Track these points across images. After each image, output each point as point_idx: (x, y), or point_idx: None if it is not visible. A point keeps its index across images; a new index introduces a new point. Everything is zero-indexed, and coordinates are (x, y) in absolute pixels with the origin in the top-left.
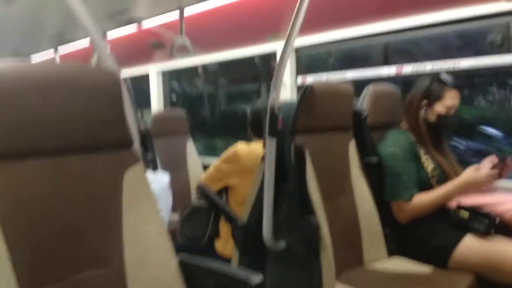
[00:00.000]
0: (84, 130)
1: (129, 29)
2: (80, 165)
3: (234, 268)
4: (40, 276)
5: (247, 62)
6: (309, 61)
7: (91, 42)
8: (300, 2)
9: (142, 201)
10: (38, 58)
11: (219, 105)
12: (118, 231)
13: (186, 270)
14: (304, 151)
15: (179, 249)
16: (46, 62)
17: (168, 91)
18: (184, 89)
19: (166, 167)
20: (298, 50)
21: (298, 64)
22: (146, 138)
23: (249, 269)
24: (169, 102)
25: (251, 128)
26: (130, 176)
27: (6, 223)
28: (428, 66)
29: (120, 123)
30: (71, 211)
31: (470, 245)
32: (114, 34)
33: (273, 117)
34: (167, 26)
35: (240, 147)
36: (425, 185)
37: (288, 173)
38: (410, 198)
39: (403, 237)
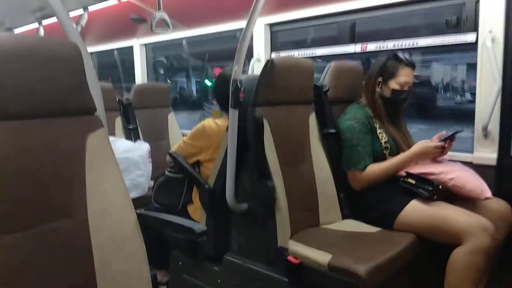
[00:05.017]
0: (46, 95)
1: (110, 2)
2: (45, 128)
3: (183, 219)
4: (8, 225)
5: (231, 37)
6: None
7: (56, 17)
8: None
9: (104, 162)
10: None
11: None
12: (82, 187)
13: (144, 222)
14: (263, 121)
15: (153, 210)
16: (10, 34)
17: (151, 63)
18: (172, 63)
19: (147, 137)
20: (273, 28)
21: (274, 41)
22: (128, 109)
23: (216, 229)
24: (154, 75)
25: (217, 99)
26: (93, 139)
27: None
28: (390, 44)
29: (81, 90)
30: (37, 168)
31: (414, 209)
32: (97, 6)
33: (236, 90)
34: None
35: (208, 124)
36: (379, 157)
37: (249, 141)
38: (364, 168)
39: (356, 202)
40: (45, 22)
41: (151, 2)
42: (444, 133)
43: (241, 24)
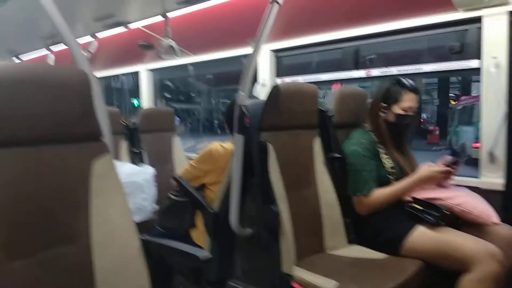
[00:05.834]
0: (55, 122)
1: (119, 29)
2: (52, 154)
3: (187, 246)
4: (13, 251)
5: (237, 59)
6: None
7: (66, 44)
8: (271, 8)
9: (109, 187)
10: (29, 57)
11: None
12: (86, 213)
13: (148, 247)
14: (267, 146)
15: (157, 235)
16: (21, 63)
17: (159, 88)
18: (178, 87)
19: (152, 161)
20: (278, 54)
21: (279, 67)
22: (134, 133)
23: (220, 254)
24: (160, 98)
25: (227, 124)
26: (99, 165)
27: None
28: (393, 70)
29: (89, 117)
30: (43, 194)
31: (421, 235)
32: (105, 33)
33: (241, 115)
34: (154, 27)
35: (214, 147)
36: (384, 182)
37: (254, 166)
38: (369, 193)
39: (361, 227)
40: (55, 47)
41: (158, 30)
42: (450, 157)
43: (246, 50)
